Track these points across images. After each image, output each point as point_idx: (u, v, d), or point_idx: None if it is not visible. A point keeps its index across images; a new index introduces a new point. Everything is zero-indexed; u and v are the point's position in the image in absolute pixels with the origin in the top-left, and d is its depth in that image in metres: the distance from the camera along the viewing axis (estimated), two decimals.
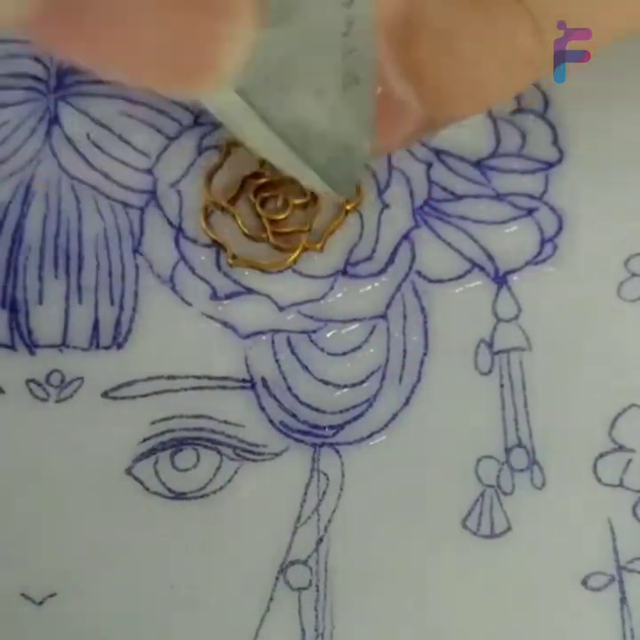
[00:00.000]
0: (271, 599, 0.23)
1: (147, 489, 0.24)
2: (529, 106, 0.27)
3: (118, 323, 0.25)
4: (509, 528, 0.24)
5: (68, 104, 0.26)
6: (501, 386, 0.25)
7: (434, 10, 0.21)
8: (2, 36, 0.26)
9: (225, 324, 0.25)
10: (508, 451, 0.24)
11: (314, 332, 0.25)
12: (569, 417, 0.24)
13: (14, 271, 0.25)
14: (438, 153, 0.26)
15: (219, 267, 0.25)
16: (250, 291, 0.25)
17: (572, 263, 0.26)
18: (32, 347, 0.25)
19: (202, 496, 0.24)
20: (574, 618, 0.23)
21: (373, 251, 0.25)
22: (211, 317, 0.25)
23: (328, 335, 0.25)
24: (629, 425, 0.24)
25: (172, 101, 0.27)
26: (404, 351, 0.25)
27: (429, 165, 0.26)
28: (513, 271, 0.26)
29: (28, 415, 0.24)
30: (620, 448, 0.24)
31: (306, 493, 0.24)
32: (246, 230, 0.25)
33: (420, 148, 0.26)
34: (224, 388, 0.25)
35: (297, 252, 0.25)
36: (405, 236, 0.26)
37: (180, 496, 0.24)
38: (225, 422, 0.24)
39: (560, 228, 0.26)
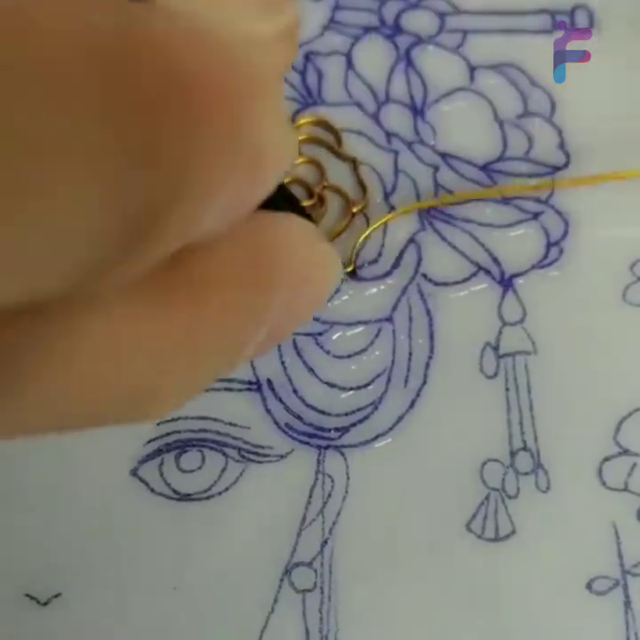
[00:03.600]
0: (276, 601, 0.23)
1: (152, 490, 0.24)
2: (536, 110, 0.27)
3: None
4: (514, 531, 0.24)
5: None
6: (507, 389, 0.25)
7: None
8: None
9: None
10: (512, 454, 0.24)
11: (320, 334, 0.25)
12: (574, 420, 0.24)
13: None
14: (445, 156, 0.26)
15: None
16: None
17: (578, 267, 0.26)
18: None
19: (207, 497, 0.24)
20: (578, 621, 0.23)
21: (379, 254, 0.25)
22: None
23: (334, 338, 0.25)
24: (634, 429, 0.24)
25: None
26: (410, 354, 0.25)
27: (436, 168, 0.26)
28: (518, 274, 0.26)
29: None
30: (625, 452, 0.24)
31: (311, 496, 0.24)
32: None
33: (426, 152, 0.26)
34: (230, 389, 0.24)
35: None
36: (411, 239, 0.26)
37: (185, 497, 0.24)
38: (230, 424, 0.24)
39: (566, 232, 0.26)
